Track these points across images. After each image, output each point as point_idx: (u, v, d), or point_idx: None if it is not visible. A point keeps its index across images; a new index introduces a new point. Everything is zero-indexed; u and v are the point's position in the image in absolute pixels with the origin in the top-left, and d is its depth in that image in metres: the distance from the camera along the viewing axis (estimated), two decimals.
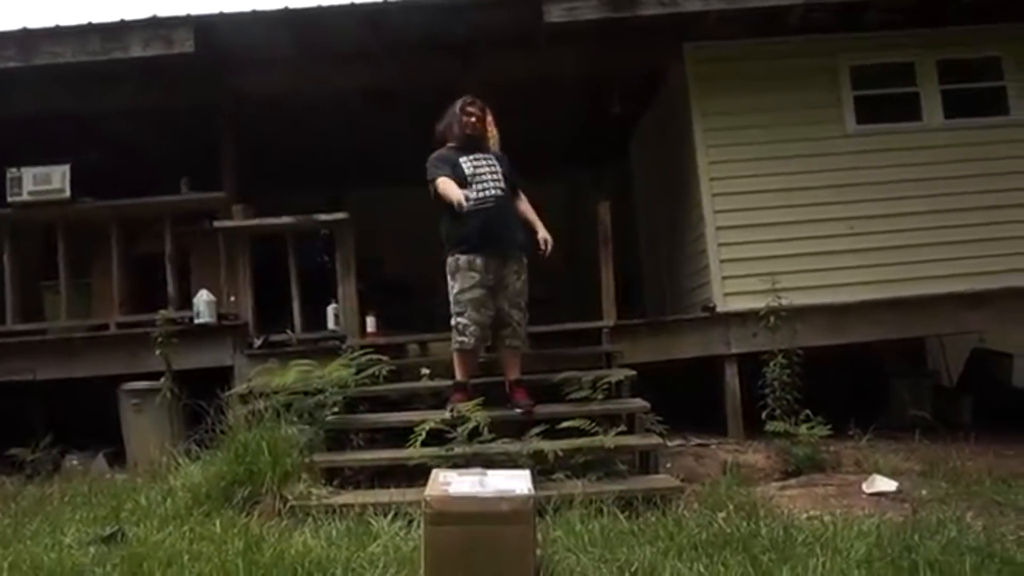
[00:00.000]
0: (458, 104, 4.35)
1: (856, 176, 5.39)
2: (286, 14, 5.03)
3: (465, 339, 4.19)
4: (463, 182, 4.15)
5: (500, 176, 4.24)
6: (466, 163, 4.23)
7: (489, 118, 4.37)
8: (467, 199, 4.02)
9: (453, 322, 4.24)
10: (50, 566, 3.06)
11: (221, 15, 5.04)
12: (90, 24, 5.05)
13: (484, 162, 4.25)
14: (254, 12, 5.02)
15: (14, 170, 5.43)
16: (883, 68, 5.61)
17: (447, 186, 4.09)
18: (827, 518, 3.41)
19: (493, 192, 4.17)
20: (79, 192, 5.53)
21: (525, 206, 4.48)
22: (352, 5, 5.00)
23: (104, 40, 5.04)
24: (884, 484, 3.96)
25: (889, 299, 5.23)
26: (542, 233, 4.39)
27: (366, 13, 5.08)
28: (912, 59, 5.57)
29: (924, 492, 3.85)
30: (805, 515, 3.55)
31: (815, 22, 5.41)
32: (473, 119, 4.29)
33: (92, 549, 3.25)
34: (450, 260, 4.22)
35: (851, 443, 4.57)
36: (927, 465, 4.24)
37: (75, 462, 5.07)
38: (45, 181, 5.44)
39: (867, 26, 5.50)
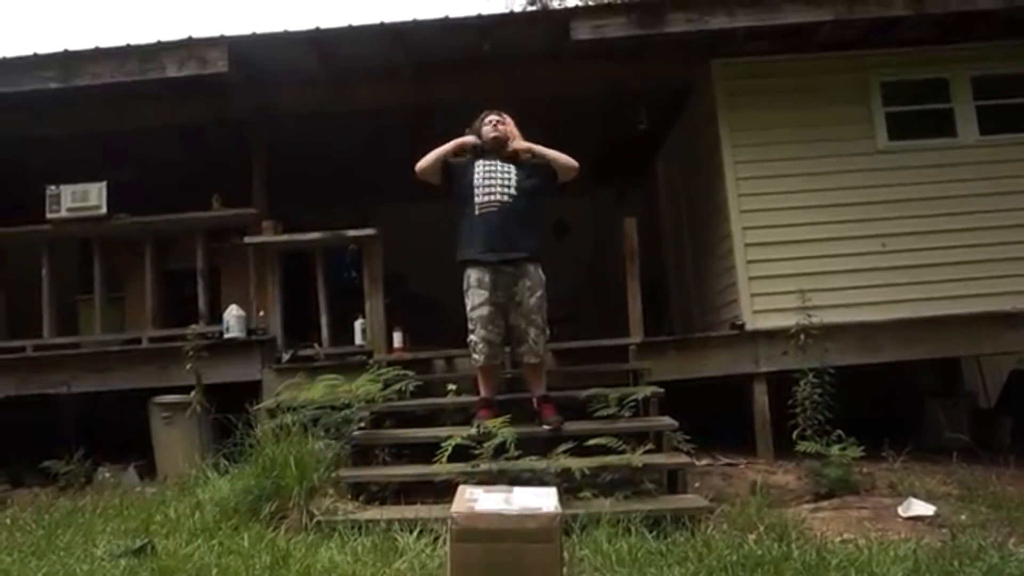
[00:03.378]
0: (480, 117, 4.42)
1: (889, 193, 5.31)
2: (316, 34, 5.13)
3: (476, 356, 4.24)
4: (472, 186, 4.21)
5: (512, 182, 4.20)
6: (479, 168, 4.27)
7: (510, 123, 4.39)
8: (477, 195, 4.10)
9: (468, 339, 4.28)
10: None
11: (254, 36, 5.18)
12: (128, 45, 5.19)
13: (499, 169, 4.25)
14: (286, 32, 5.13)
15: (53, 188, 5.58)
16: (915, 84, 5.54)
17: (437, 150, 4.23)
18: (862, 542, 3.33)
19: (499, 196, 4.16)
20: (114, 208, 5.67)
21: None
22: (380, 24, 5.10)
23: (141, 61, 5.18)
24: (921, 508, 3.85)
25: (924, 318, 5.12)
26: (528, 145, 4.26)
27: (394, 32, 5.16)
28: (945, 75, 5.50)
29: (963, 517, 3.74)
30: (839, 538, 3.47)
31: (844, 38, 5.38)
32: (490, 125, 4.33)
33: (123, 561, 3.28)
34: (464, 276, 4.24)
35: (885, 465, 4.46)
36: (965, 489, 4.13)
37: (107, 474, 5.14)
38: (83, 198, 5.58)
39: (898, 42, 5.44)
